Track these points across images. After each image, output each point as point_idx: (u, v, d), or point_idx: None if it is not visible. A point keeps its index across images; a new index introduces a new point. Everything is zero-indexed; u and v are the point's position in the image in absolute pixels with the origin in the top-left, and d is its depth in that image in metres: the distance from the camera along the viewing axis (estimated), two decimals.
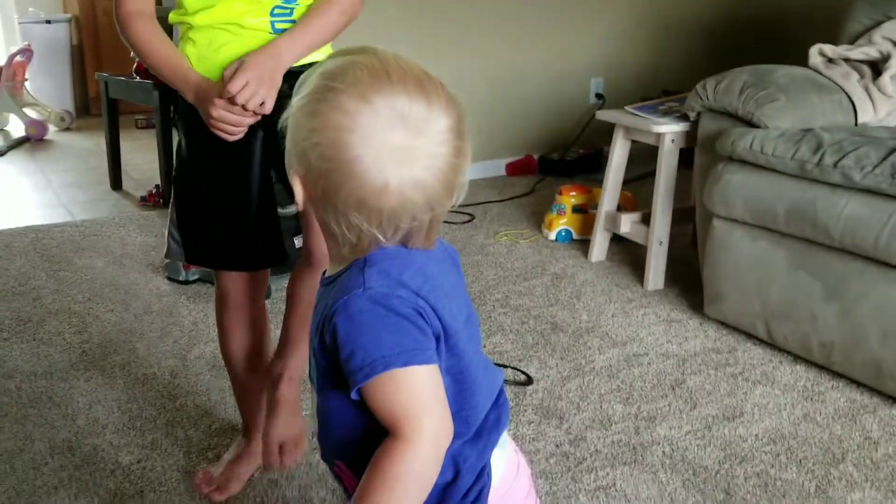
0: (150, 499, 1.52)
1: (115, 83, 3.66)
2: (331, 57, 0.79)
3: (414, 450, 0.74)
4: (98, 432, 1.74)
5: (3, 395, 1.89)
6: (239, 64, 1.25)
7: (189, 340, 2.17)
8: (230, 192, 1.40)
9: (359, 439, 0.79)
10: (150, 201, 3.52)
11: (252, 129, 1.32)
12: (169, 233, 1.47)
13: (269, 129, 1.33)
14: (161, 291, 2.51)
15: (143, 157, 4.21)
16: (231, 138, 1.30)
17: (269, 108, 1.27)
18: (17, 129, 5.07)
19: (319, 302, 0.82)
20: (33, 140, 4.87)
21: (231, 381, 1.62)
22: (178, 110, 1.44)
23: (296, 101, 0.77)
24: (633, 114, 2.57)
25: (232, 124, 1.27)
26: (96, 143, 4.68)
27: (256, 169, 1.38)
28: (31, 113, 5.07)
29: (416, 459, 0.74)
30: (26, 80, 5.12)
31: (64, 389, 1.91)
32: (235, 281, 1.47)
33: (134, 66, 3.54)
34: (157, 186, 3.54)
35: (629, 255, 2.80)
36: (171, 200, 1.45)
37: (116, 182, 3.81)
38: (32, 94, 5.17)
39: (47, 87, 5.35)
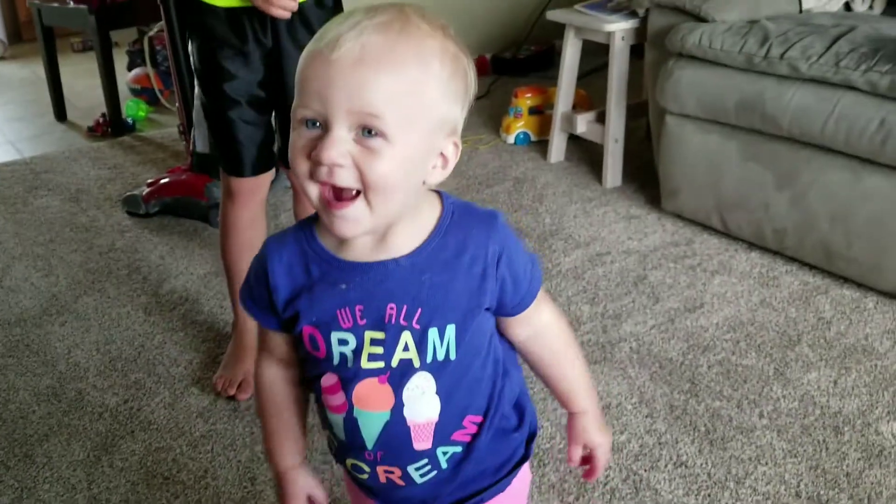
0: (141, 438, 1.57)
1: (48, 10, 3.51)
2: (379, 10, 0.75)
3: (562, 315, 0.91)
4: (81, 376, 1.77)
5: None
6: None
7: (158, 276, 2.19)
8: (257, 100, 1.54)
9: (487, 374, 0.84)
10: (98, 131, 3.44)
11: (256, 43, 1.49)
12: (192, 149, 1.63)
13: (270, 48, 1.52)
14: (123, 227, 2.50)
15: (84, 84, 4.08)
16: (285, 16, 1.44)
17: None
18: None
19: (427, 269, 0.78)
20: None
21: (228, 280, 1.71)
22: (195, 28, 1.53)
23: (421, 75, 0.73)
24: (582, 12, 2.55)
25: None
26: (33, 70, 4.50)
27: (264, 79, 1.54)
28: None
29: (566, 322, 0.92)
30: None
31: (40, 336, 1.93)
32: (252, 182, 1.61)
33: None
34: (103, 115, 3.45)
35: (587, 153, 2.83)
36: (200, 119, 1.61)
37: (61, 113, 3.70)
38: None
39: None
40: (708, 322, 1.86)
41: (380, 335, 0.78)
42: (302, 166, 0.73)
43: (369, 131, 0.70)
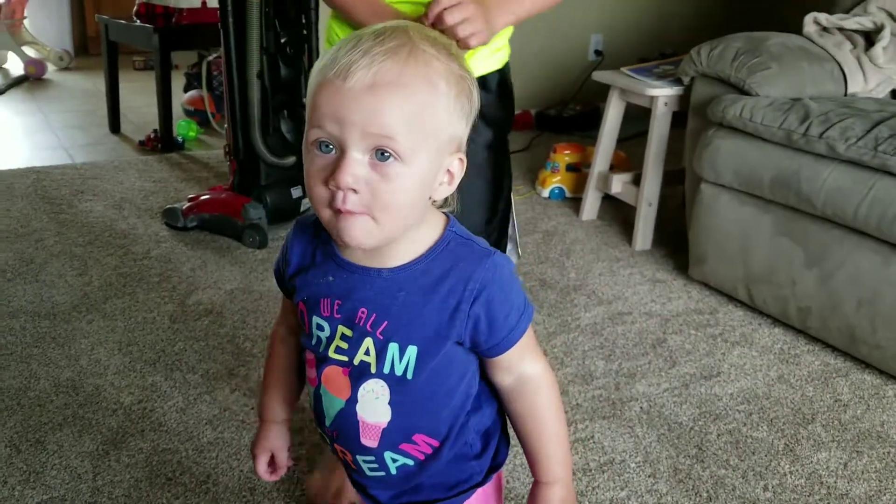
0: (150, 438, 1.59)
1: (115, 26, 3.66)
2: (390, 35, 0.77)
3: (551, 376, 0.89)
4: (100, 373, 1.81)
5: (9, 334, 1.96)
6: None
7: (187, 287, 2.24)
8: None
9: (453, 405, 0.87)
10: (149, 146, 3.54)
11: None
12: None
13: None
14: (160, 237, 2.57)
15: (141, 100, 4.22)
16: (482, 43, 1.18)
17: (475, 44, 1.13)
18: (15, 67, 5.06)
19: (403, 287, 0.83)
20: (32, 79, 4.86)
21: None
22: None
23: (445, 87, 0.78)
24: (628, 76, 2.59)
25: None
26: (95, 83, 4.67)
27: None
28: (30, 51, 5.05)
29: (554, 384, 0.90)
30: (25, 17, 5.09)
31: (67, 331, 1.98)
32: None
33: (134, 8, 3.53)
34: (155, 131, 3.56)
35: (620, 214, 2.85)
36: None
37: (115, 125, 3.83)
38: (31, 33, 5.15)
39: (46, 26, 5.32)
40: (723, 391, 1.85)
41: (348, 332, 0.84)
42: (319, 192, 0.77)
43: (383, 153, 0.74)
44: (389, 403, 0.85)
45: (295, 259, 0.90)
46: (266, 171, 2.59)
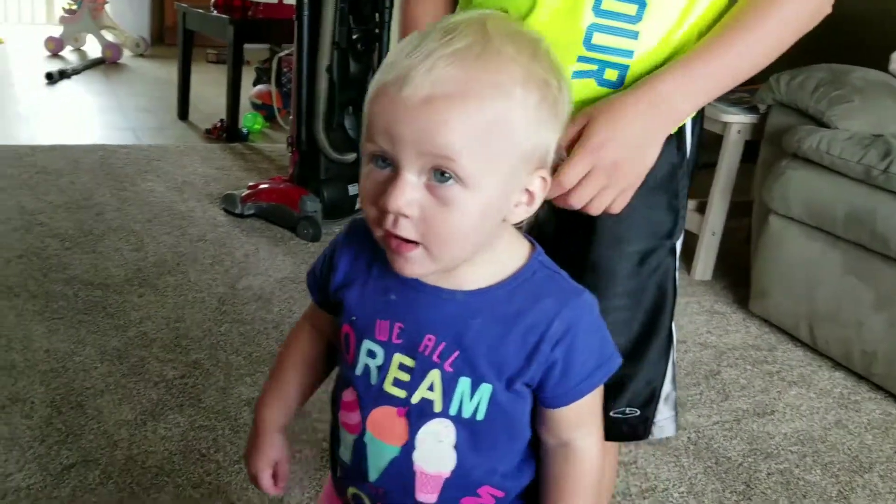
0: (188, 413, 1.58)
1: (192, 14, 3.72)
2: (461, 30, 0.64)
3: (601, 455, 0.75)
4: (146, 345, 1.81)
5: (62, 299, 1.98)
6: (585, 121, 0.78)
7: (239, 271, 2.24)
8: None
9: (515, 450, 0.75)
10: (214, 134, 3.59)
11: None
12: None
13: None
14: (216, 221, 2.58)
15: (211, 91, 4.28)
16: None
17: (617, 209, 0.81)
18: (93, 50, 5.18)
19: (478, 314, 0.70)
20: (108, 62, 4.97)
21: None
22: None
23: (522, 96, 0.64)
24: None
25: None
26: (167, 72, 4.76)
27: None
28: (109, 36, 5.17)
29: (601, 465, 0.76)
30: (107, 2, 5.22)
31: (118, 302, 1.99)
32: None
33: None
34: (221, 121, 3.60)
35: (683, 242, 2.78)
36: None
37: (183, 113, 3.89)
38: (111, 18, 5.27)
39: (126, 12, 5.45)
40: (776, 430, 1.77)
41: (409, 362, 0.71)
42: (370, 210, 0.66)
43: (443, 174, 0.62)
44: (455, 447, 0.72)
45: (343, 266, 0.76)
46: (326, 165, 2.59)
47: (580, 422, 0.73)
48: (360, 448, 0.74)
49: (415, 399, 0.71)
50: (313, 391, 0.86)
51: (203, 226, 2.53)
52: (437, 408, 0.71)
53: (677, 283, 0.95)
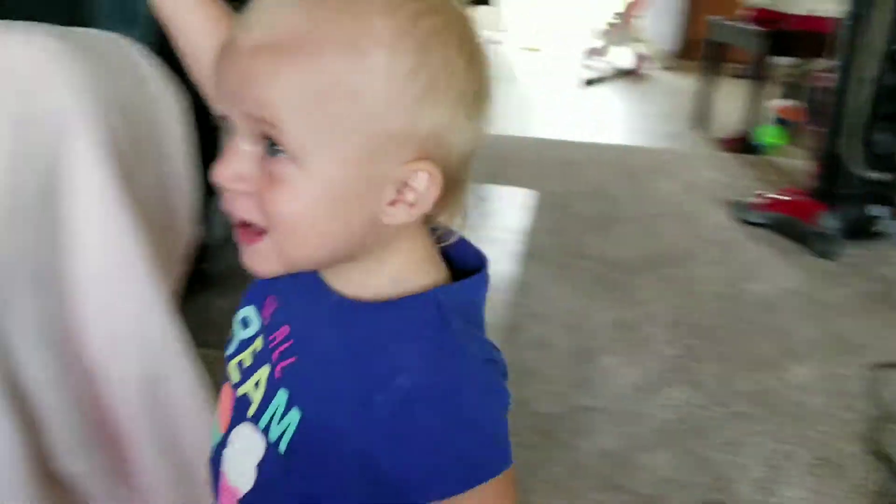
0: (684, 390, 1.66)
1: (722, 26, 3.79)
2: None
3: None
4: (651, 322, 1.94)
5: (583, 271, 2.22)
6: None
7: (741, 274, 2.25)
8: None
9: None
10: (729, 145, 3.62)
11: None
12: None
13: None
14: (723, 225, 2.62)
15: (729, 104, 4.29)
16: None
17: None
18: (624, 60, 5.58)
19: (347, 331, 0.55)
20: (636, 73, 5.31)
21: None
22: None
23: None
24: None
25: None
26: (688, 83, 4.91)
27: None
28: (639, 48, 5.52)
29: None
30: (640, 17, 5.57)
31: (624, 281, 2.16)
32: None
33: (744, 12, 3.62)
34: (739, 132, 3.62)
35: None
36: None
37: (700, 121, 3.99)
38: (642, 31, 5.62)
39: (655, 26, 5.76)
40: None
41: (259, 347, 0.60)
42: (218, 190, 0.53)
43: (273, 146, 0.49)
44: (258, 467, 0.57)
45: None
46: (849, 180, 2.45)
47: None
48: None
49: (240, 391, 0.60)
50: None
51: (709, 227, 2.60)
52: (251, 411, 0.58)
53: None
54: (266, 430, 0.56)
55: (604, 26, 5.59)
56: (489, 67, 0.53)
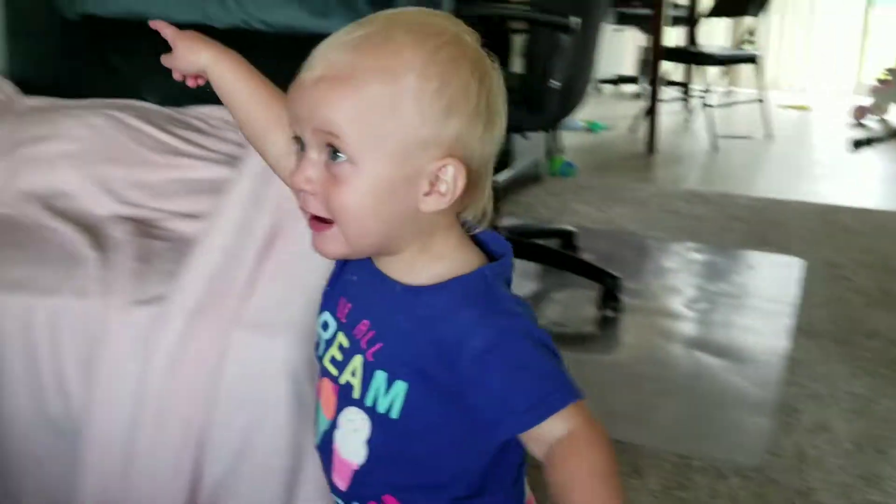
0: None
1: None
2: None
3: (592, 433, 0.63)
4: None
5: (864, 350, 2.04)
6: None
7: None
8: None
9: (439, 475, 0.71)
10: None
11: None
12: None
13: None
14: None
15: None
16: None
17: None
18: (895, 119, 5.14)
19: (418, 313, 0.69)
20: None
21: None
22: None
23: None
24: None
25: None
26: None
27: None
28: None
29: (597, 444, 0.63)
30: None
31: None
32: None
33: None
34: None
35: None
36: None
37: None
38: None
39: None
40: None
41: (346, 343, 0.73)
42: (295, 193, 0.70)
43: (335, 153, 0.65)
44: (368, 443, 0.71)
45: None
46: None
47: (544, 437, 0.63)
48: (316, 410, 0.77)
49: (342, 380, 0.72)
50: (249, 95, 0.82)
51: None
52: (356, 394, 0.71)
53: None
54: (374, 406, 0.69)
55: (874, 83, 5.19)
56: (498, 87, 0.68)
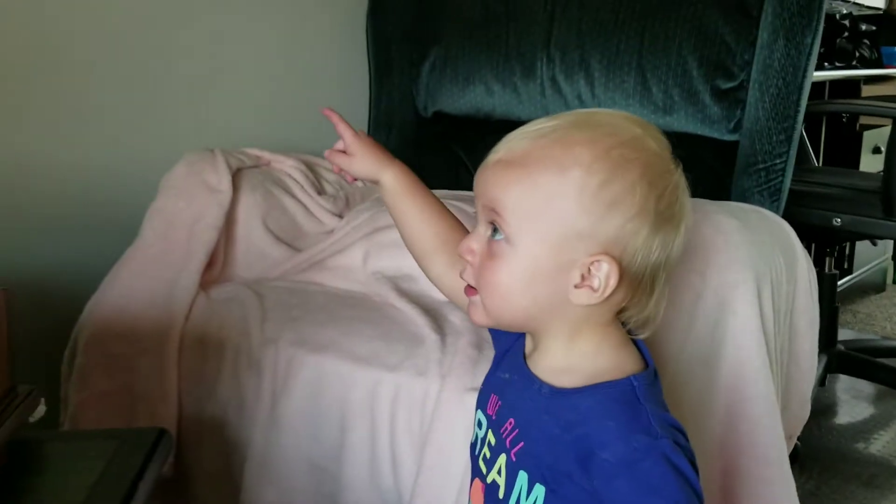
0: None
1: None
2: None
3: None
4: None
5: None
6: None
7: None
8: None
9: None
10: None
11: None
12: None
13: None
14: None
15: None
16: None
17: None
18: None
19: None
20: None
21: None
22: None
23: None
24: None
25: None
26: None
27: None
28: None
29: None
30: None
31: None
32: None
33: None
34: None
35: None
36: None
37: None
38: None
39: None
40: None
41: (493, 441, 0.75)
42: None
43: (496, 230, 0.70)
44: None
45: (498, 346, 0.83)
46: None
47: None
48: None
49: (489, 479, 0.74)
50: (423, 213, 0.87)
51: None
52: (502, 493, 0.72)
53: None
54: None
55: None
56: (674, 193, 0.68)
